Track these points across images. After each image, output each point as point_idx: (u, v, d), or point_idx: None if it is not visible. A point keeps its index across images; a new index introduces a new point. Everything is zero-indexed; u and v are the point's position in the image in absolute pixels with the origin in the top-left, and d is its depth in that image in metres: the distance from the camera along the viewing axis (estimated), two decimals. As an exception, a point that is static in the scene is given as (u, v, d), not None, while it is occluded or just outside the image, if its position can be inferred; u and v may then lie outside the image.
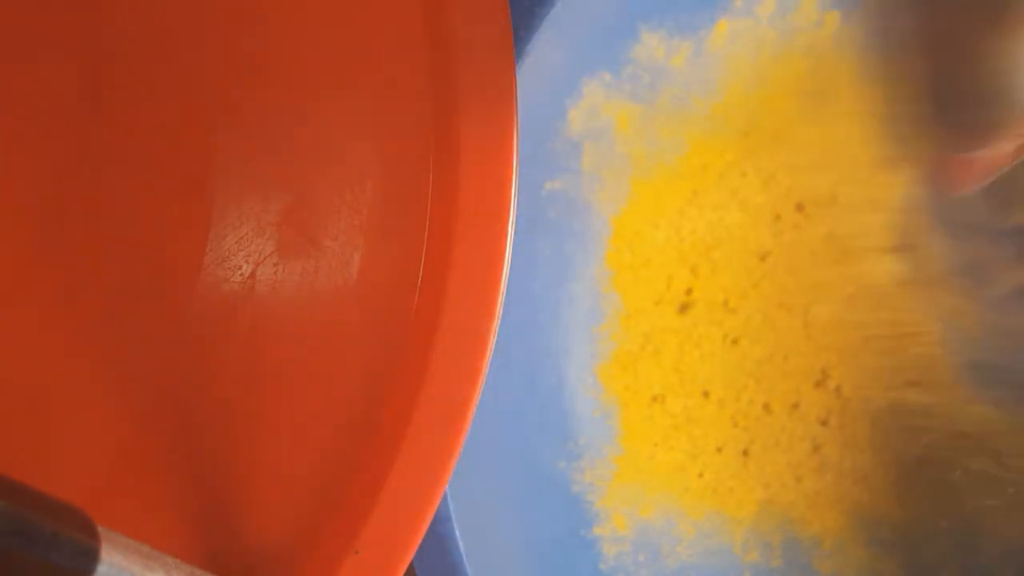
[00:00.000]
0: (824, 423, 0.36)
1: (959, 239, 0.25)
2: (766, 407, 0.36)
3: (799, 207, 0.36)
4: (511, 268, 0.24)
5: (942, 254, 0.26)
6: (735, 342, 0.36)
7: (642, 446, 0.36)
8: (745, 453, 0.36)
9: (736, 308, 0.36)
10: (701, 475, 0.36)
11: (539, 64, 0.31)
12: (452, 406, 0.24)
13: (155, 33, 0.25)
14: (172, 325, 0.25)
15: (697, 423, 0.36)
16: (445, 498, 0.29)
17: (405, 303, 0.24)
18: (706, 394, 0.36)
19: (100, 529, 0.17)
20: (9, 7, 0.25)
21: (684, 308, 0.36)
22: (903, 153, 0.22)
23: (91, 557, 0.16)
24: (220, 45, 0.25)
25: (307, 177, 0.25)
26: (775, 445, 0.36)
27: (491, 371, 0.24)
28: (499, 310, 0.24)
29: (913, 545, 0.35)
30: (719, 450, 0.36)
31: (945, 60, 0.19)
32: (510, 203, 0.24)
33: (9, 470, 0.16)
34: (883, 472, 0.36)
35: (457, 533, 0.29)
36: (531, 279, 0.35)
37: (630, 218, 0.36)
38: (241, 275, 0.25)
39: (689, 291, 0.36)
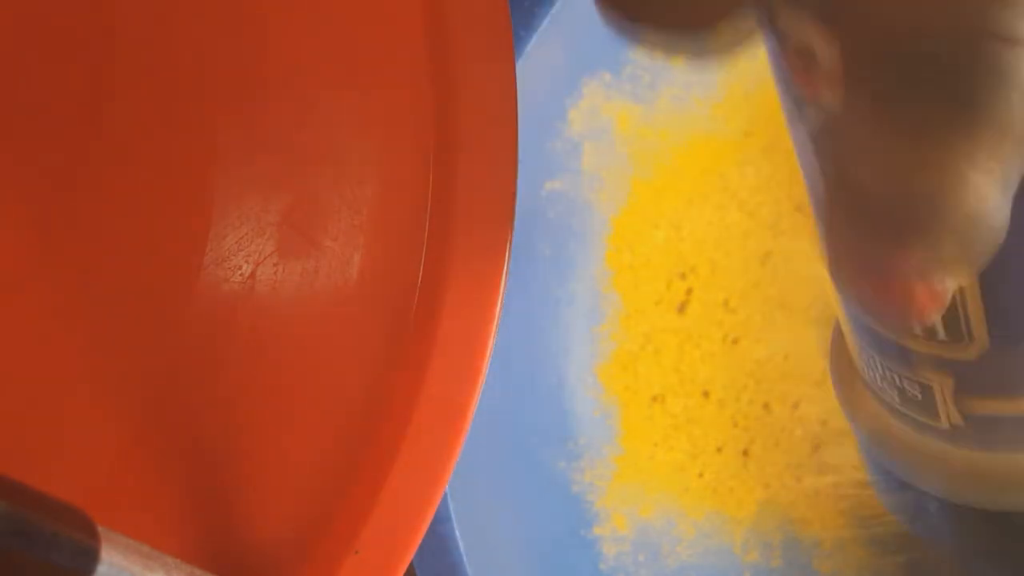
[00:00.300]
0: (824, 423, 0.36)
1: None
2: (766, 407, 0.36)
3: (799, 207, 0.36)
4: (511, 268, 0.24)
5: None
6: (735, 342, 0.36)
7: (642, 446, 0.36)
8: (745, 453, 0.36)
9: (736, 308, 0.36)
10: (701, 475, 0.36)
11: (539, 64, 0.31)
12: (452, 406, 0.24)
13: (155, 33, 0.25)
14: (172, 325, 0.25)
15: (697, 423, 0.36)
16: (445, 498, 0.29)
17: (405, 303, 0.24)
18: (706, 394, 0.36)
19: (100, 529, 0.17)
20: (10, 7, 0.25)
21: (684, 308, 0.36)
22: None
23: (91, 557, 0.16)
24: (220, 45, 0.25)
25: (307, 177, 0.25)
26: (775, 445, 0.36)
27: (491, 371, 0.24)
28: (499, 310, 0.24)
29: (913, 545, 0.35)
30: (719, 450, 0.36)
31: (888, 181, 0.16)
32: (510, 203, 0.24)
33: (9, 470, 0.16)
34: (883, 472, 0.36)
35: (457, 533, 0.29)
36: (531, 279, 0.35)
37: (630, 218, 0.36)
38: (241, 275, 0.25)
39: (689, 291, 0.36)
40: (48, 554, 0.15)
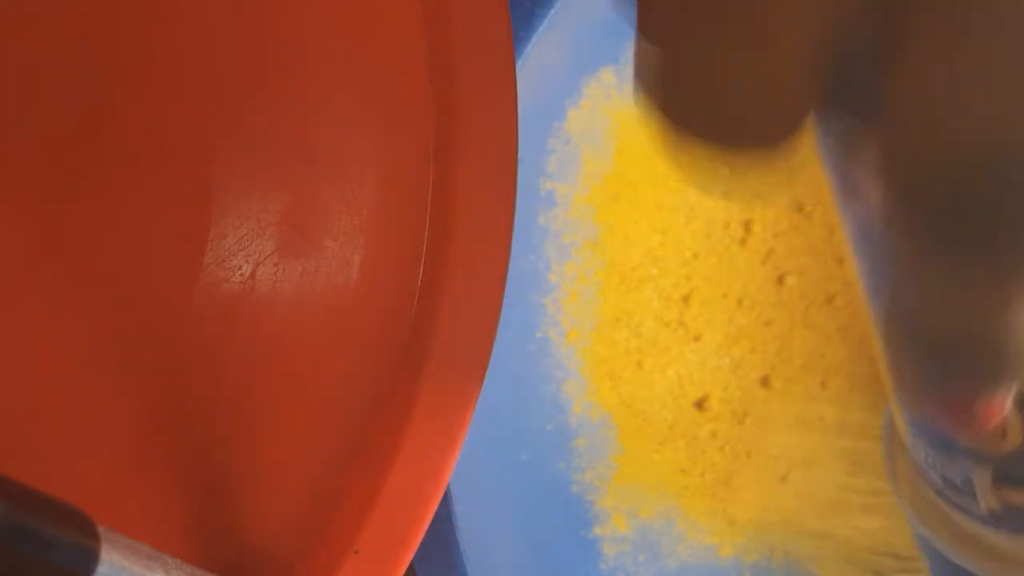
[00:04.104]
0: (825, 423, 0.36)
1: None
2: (766, 407, 0.36)
3: (799, 207, 0.36)
4: (510, 268, 0.24)
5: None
6: (736, 342, 0.36)
7: (642, 446, 0.36)
8: (746, 454, 0.36)
9: (736, 308, 0.36)
10: (702, 475, 0.36)
11: (539, 64, 0.31)
12: (452, 406, 0.24)
13: (156, 33, 0.25)
14: (172, 325, 0.25)
15: (698, 423, 0.36)
16: (445, 498, 0.29)
17: (405, 303, 0.24)
18: (707, 395, 0.36)
19: (100, 529, 0.17)
20: (11, 8, 0.25)
21: (684, 308, 0.36)
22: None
23: (91, 557, 0.16)
24: (220, 46, 0.25)
25: (307, 177, 0.25)
26: (776, 445, 0.36)
27: (491, 371, 0.24)
28: (499, 310, 0.24)
29: (913, 549, 0.35)
30: (720, 450, 0.36)
31: (942, 307, 0.15)
32: (510, 203, 0.24)
33: (9, 470, 0.16)
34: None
35: (457, 533, 0.29)
36: (531, 279, 0.35)
37: (630, 219, 0.36)
38: (241, 275, 0.25)
39: (689, 291, 0.36)
40: (48, 554, 0.15)
